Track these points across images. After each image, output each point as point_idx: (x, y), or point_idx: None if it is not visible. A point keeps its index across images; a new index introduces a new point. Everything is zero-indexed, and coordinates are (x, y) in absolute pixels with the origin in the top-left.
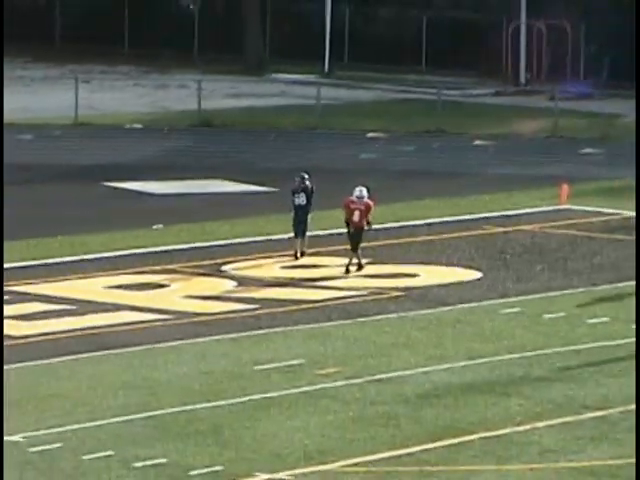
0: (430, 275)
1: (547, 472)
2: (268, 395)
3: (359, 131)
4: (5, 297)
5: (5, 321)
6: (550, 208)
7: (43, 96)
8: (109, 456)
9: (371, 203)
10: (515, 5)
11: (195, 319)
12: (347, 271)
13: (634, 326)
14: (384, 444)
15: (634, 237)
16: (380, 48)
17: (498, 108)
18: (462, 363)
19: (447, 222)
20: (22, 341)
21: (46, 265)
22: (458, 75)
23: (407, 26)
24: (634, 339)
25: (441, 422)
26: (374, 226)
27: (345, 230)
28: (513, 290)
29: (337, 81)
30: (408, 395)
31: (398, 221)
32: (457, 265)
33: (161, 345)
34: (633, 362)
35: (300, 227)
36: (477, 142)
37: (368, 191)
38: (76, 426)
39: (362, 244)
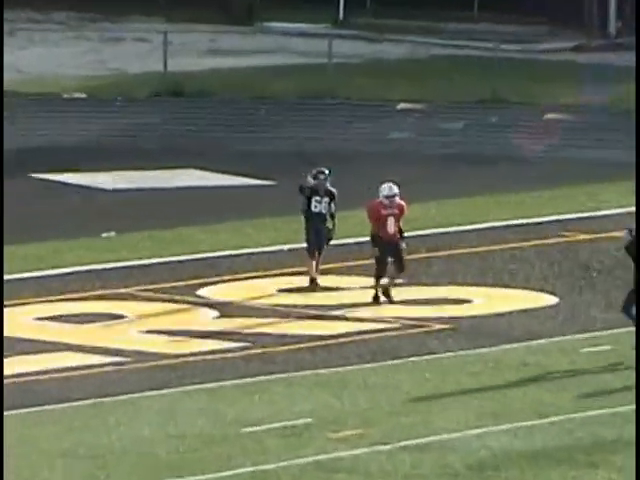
0: (486, 300)
1: None
2: (262, 467)
3: (385, 101)
4: None
5: None
6: None
7: None
8: None
9: (404, 204)
10: None
11: (160, 362)
12: (376, 300)
13: None
14: None
15: None
16: None
17: (577, 68)
18: (530, 422)
19: (508, 227)
20: None
21: None
22: (522, 24)
23: None
24: None
25: None
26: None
27: (368, 245)
28: (600, 321)
29: (355, 32)
30: (456, 467)
31: (439, 226)
32: (523, 287)
33: (113, 399)
34: None
35: (317, 242)
36: (549, 115)
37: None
38: None
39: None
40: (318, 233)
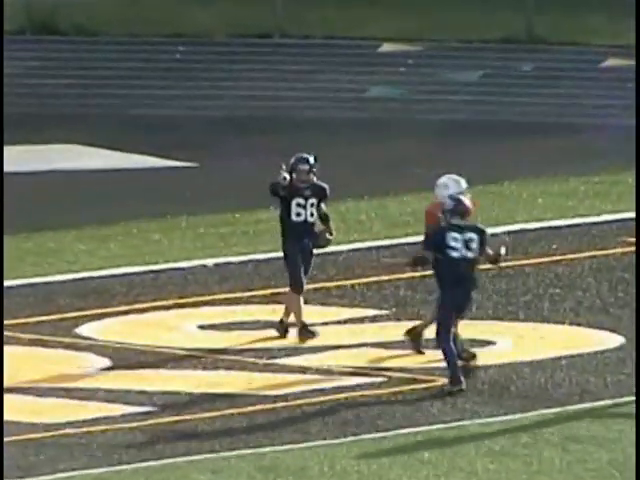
0: (516, 342)
1: None
2: None
3: (361, 40)
4: None
5: None
6: None
7: None
8: None
9: (473, 205)
10: None
11: (21, 437)
12: (419, 350)
13: None
14: None
15: None
16: None
17: None
18: None
19: (548, 230)
20: None
21: None
22: None
23: None
24: None
25: None
26: None
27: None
28: None
29: None
30: None
31: None
32: (572, 321)
33: None
34: None
35: (305, 268)
36: (608, 63)
37: None
38: None
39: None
40: (304, 252)
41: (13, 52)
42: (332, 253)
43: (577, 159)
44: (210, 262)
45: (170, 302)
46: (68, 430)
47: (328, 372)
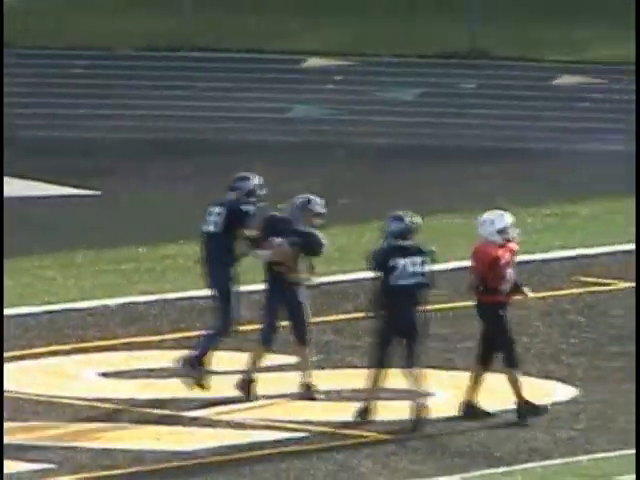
0: (458, 393)
1: None
2: None
3: (284, 54)
4: None
5: None
6: None
7: None
8: None
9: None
10: None
11: None
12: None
13: None
14: None
15: None
16: None
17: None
18: None
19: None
20: None
21: None
22: None
23: None
24: None
25: None
26: None
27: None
28: None
29: None
30: None
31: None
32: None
33: None
34: None
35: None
36: (561, 80)
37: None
38: None
39: None
40: (291, 303)
41: None
42: (250, 292)
43: (524, 188)
44: (112, 302)
45: (68, 347)
46: None
47: (242, 426)
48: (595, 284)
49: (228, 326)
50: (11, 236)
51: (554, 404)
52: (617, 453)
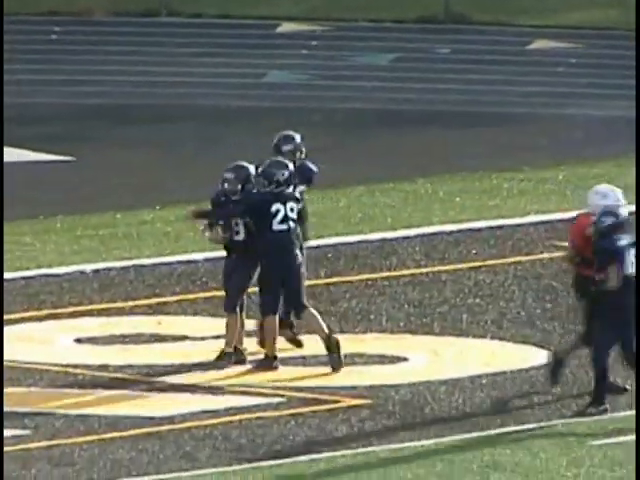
0: (431, 359)
1: None
2: None
3: (258, 19)
4: None
5: None
6: None
7: None
8: None
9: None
10: None
11: None
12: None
13: None
14: None
15: None
16: None
17: None
18: None
19: (468, 232)
20: None
21: None
22: None
23: None
24: None
25: None
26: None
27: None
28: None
29: None
30: None
31: (350, 233)
32: (493, 335)
33: None
34: None
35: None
36: (536, 45)
37: None
38: None
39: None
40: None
41: None
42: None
43: (500, 153)
44: (88, 268)
45: (44, 312)
46: None
47: (219, 391)
48: None
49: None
50: None
51: (530, 369)
52: (592, 418)
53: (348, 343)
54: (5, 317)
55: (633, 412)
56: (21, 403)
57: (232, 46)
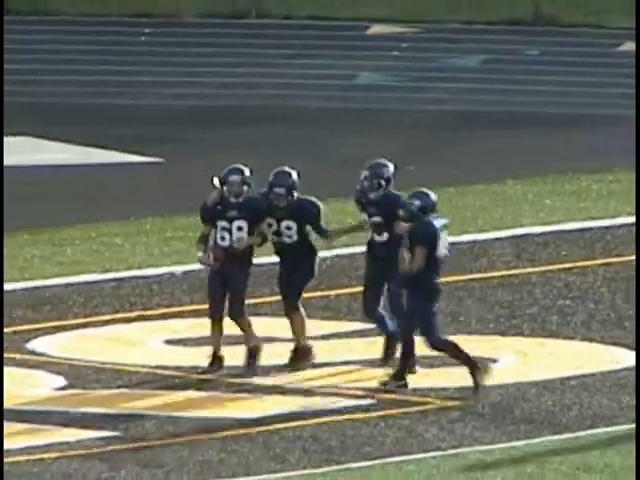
0: (521, 360)
1: None
2: None
3: (350, 21)
4: None
5: None
6: None
7: None
8: None
9: None
10: None
11: None
12: None
13: None
14: None
15: None
16: None
17: None
18: None
19: (558, 233)
20: None
21: None
22: None
23: None
24: None
25: None
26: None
27: None
28: None
29: None
30: None
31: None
32: (584, 336)
33: None
34: None
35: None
36: (625, 47)
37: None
38: None
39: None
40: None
41: None
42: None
43: (589, 154)
44: (178, 270)
45: (133, 314)
46: (18, 457)
47: (309, 393)
48: None
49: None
50: (75, 203)
51: (619, 370)
52: None
53: None
54: (95, 318)
55: None
56: (111, 405)
57: (322, 47)
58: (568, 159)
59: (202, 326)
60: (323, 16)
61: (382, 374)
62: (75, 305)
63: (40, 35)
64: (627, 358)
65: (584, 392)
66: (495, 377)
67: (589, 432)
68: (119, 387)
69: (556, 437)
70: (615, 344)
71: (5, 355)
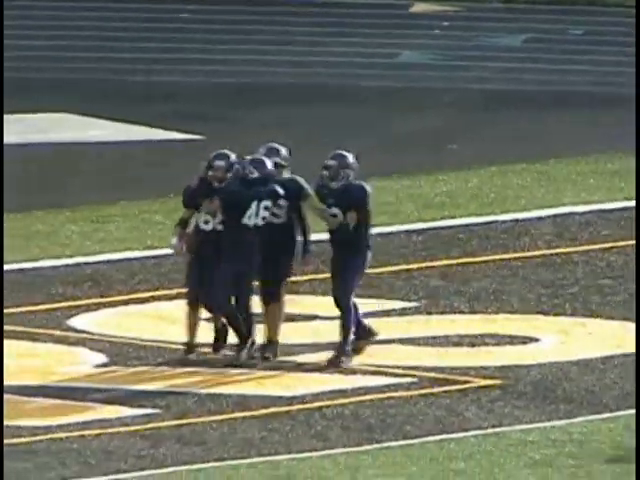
0: (562, 339)
1: None
2: None
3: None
4: None
5: None
6: None
7: None
8: None
9: None
10: None
11: None
12: None
13: None
14: None
15: None
16: None
17: None
18: None
19: (600, 212)
20: None
21: None
22: None
23: None
24: None
25: None
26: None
27: None
28: None
29: None
30: None
31: (485, 213)
32: (625, 316)
33: None
34: None
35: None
36: None
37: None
38: None
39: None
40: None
41: None
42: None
43: (631, 134)
44: None
45: (174, 292)
46: (59, 434)
47: (350, 371)
48: None
49: None
50: (121, 181)
51: None
52: None
53: (479, 323)
54: (136, 296)
55: None
56: (151, 382)
57: (364, 26)
58: (611, 139)
59: None
60: None
61: (423, 352)
62: (116, 282)
63: (83, 12)
64: None
65: (624, 372)
66: (536, 356)
67: (629, 412)
68: (160, 364)
69: (597, 417)
70: None
71: (44, 332)
